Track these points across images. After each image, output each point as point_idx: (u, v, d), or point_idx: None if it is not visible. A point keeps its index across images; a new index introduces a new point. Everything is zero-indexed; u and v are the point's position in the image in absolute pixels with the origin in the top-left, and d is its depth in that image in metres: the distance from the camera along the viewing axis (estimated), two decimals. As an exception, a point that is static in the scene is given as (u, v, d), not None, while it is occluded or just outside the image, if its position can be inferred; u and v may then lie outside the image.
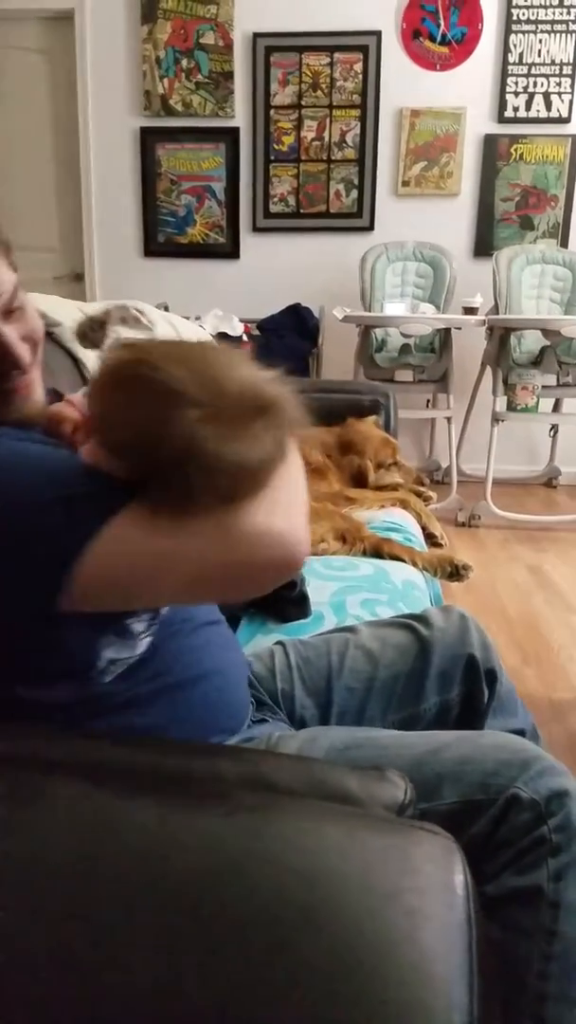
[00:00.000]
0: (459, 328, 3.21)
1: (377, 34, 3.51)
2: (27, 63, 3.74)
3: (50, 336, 1.59)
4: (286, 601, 1.33)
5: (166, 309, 3.04)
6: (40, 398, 0.75)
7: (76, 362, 1.58)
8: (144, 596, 0.64)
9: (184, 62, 3.62)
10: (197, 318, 3.42)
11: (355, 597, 1.36)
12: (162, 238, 3.82)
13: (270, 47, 3.58)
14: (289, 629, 1.27)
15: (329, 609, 1.32)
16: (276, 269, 3.76)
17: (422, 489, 2.04)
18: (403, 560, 1.58)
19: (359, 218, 3.70)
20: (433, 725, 0.93)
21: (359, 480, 2.05)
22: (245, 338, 3.47)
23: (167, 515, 0.58)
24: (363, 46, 3.53)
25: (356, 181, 3.68)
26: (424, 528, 1.89)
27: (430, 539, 1.87)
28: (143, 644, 0.69)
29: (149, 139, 3.72)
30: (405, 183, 3.65)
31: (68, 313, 1.65)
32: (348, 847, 0.43)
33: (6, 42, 3.71)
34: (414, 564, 1.58)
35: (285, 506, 0.62)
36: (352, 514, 1.82)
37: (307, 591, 1.33)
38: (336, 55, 3.55)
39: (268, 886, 0.39)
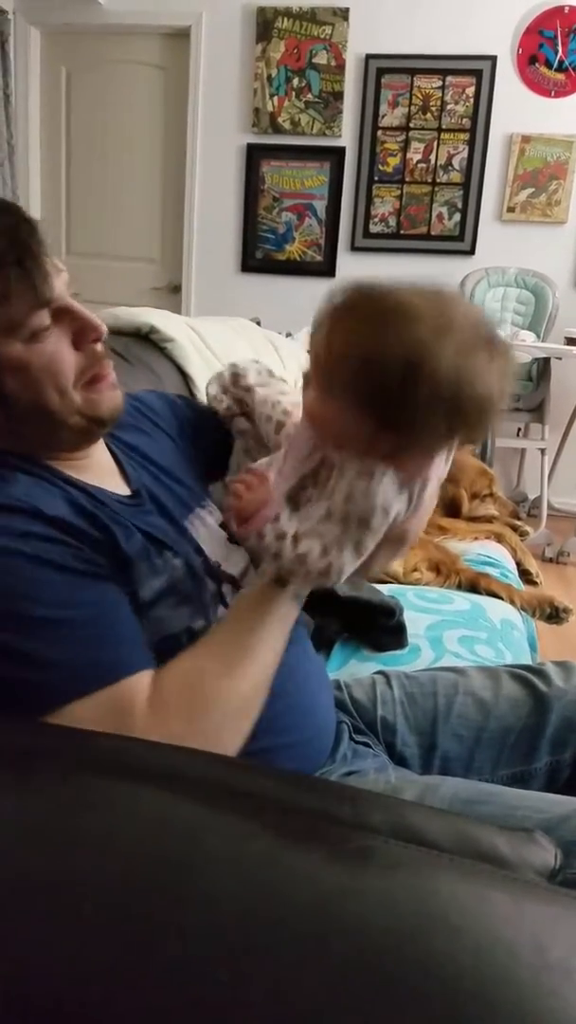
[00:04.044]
0: (559, 358, 3.14)
1: (492, 59, 3.48)
2: (145, 77, 3.86)
3: (162, 351, 1.62)
4: (382, 630, 1.31)
5: (259, 324, 3.07)
6: (120, 397, 0.75)
7: (185, 377, 1.60)
8: None
9: (295, 81, 3.67)
10: (289, 334, 3.44)
11: (452, 632, 1.33)
12: (260, 254, 3.87)
13: (382, 69, 3.59)
14: (384, 659, 1.26)
15: (426, 642, 1.30)
16: (371, 289, 3.76)
17: (518, 523, 1.99)
18: (500, 597, 1.54)
19: (460, 241, 3.67)
20: (544, 785, 0.89)
21: (452, 510, 2.01)
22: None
23: None
24: (477, 70, 3.51)
25: (460, 205, 3.65)
26: (519, 564, 1.84)
27: (525, 576, 1.81)
28: None
29: (255, 155, 3.78)
30: (510, 209, 3.60)
31: (179, 330, 1.68)
32: (517, 915, 0.41)
33: (128, 56, 3.84)
34: (511, 602, 1.53)
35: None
36: (445, 544, 1.79)
37: (404, 621, 1.31)
38: (448, 78, 3.54)
39: (443, 953, 0.38)
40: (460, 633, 1.34)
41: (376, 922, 0.39)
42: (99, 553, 0.67)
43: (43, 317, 0.66)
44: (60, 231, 4.09)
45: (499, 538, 1.89)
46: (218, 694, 0.65)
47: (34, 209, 4.04)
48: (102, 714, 0.60)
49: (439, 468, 0.68)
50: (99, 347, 0.71)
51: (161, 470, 0.84)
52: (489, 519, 1.98)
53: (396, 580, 1.59)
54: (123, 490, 0.77)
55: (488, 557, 1.75)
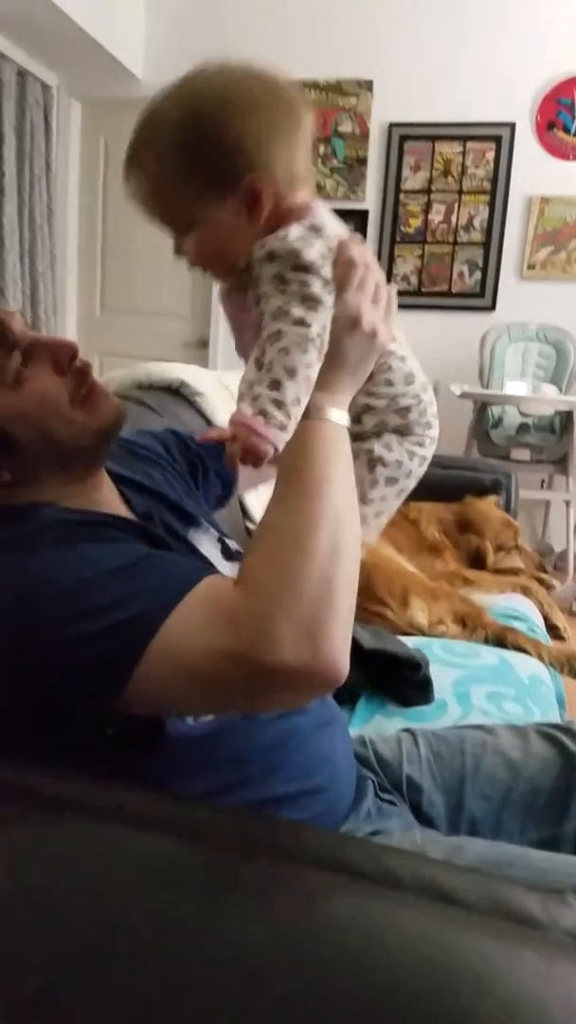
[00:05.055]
0: (582, 412, 3.16)
1: (511, 126, 3.60)
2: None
3: (192, 404, 1.66)
4: (408, 684, 1.31)
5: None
6: (116, 400, 0.78)
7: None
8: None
9: (321, 148, 3.82)
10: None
11: (480, 688, 1.32)
12: (286, 310, 3.97)
13: (404, 136, 3.73)
14: (410, 714, 1.25)
15: (453, 699, 1.28)
16: (394, 344, 3.82)
17: (544, 576, 1.98)
18: (528, 652, 1.53)
19: (481, 298, 3.74)
20: (574, 849, 0.87)
21: (477, 562, 2.01)
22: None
23: None
24: (496, 136, 3.63)
25: (480, 263, 3.73)
26: (546, 618, 1.82)
27: (552, 630, 1.80)
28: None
29: (281, 218, 3.90)
30: (531, 266, 3.67)
31: (208, 384, 1.73)
32: (548, 975, 0.41)
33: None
34: (540, 658, 1.52)
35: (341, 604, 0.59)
36: (470, 597, 1.78)
37: (430, 675, 1.30)
38: (469, 144, 3.66)
39: (472, 1011, 0.38)
40: (488, 689, 1.32)
41: (403, 980, 0.39)
42: (138, 536, 0.73)
43: (16, 359, 0.71)
44: (96, 290, 4.24)
45: (525, 591, 1.88)
46: (301, 542, 0.61)
47: (71, 269, 4.20)
48: (202, 610, 0.60)
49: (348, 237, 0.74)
50: (78, 362, 0.74)
51: (155, 496, 0.87)
52: (515, 571, 1.97)
53: (421, 632, 1.59)
54: (131, 516, 0.80)
55: (514, 610, 1.74)
